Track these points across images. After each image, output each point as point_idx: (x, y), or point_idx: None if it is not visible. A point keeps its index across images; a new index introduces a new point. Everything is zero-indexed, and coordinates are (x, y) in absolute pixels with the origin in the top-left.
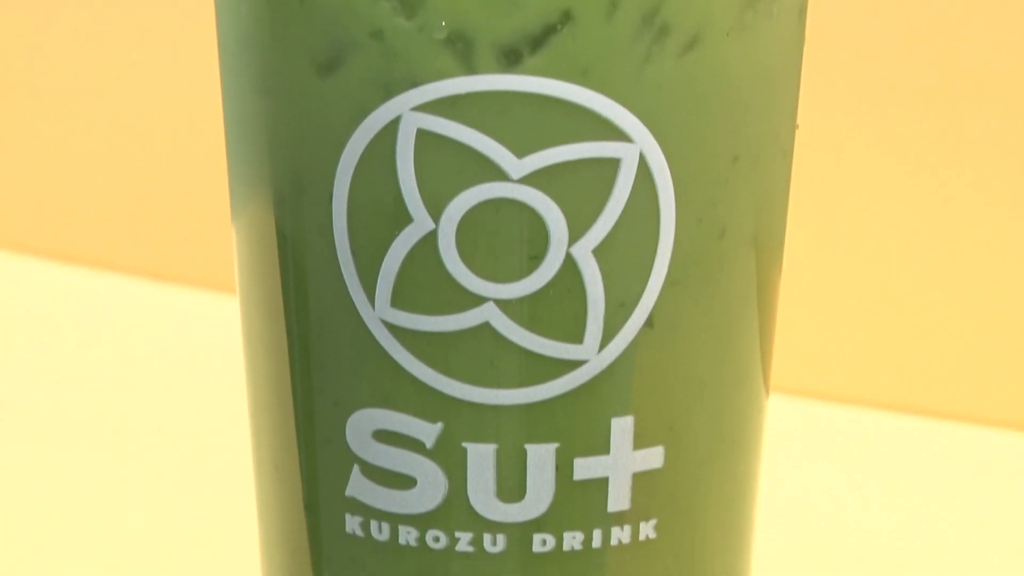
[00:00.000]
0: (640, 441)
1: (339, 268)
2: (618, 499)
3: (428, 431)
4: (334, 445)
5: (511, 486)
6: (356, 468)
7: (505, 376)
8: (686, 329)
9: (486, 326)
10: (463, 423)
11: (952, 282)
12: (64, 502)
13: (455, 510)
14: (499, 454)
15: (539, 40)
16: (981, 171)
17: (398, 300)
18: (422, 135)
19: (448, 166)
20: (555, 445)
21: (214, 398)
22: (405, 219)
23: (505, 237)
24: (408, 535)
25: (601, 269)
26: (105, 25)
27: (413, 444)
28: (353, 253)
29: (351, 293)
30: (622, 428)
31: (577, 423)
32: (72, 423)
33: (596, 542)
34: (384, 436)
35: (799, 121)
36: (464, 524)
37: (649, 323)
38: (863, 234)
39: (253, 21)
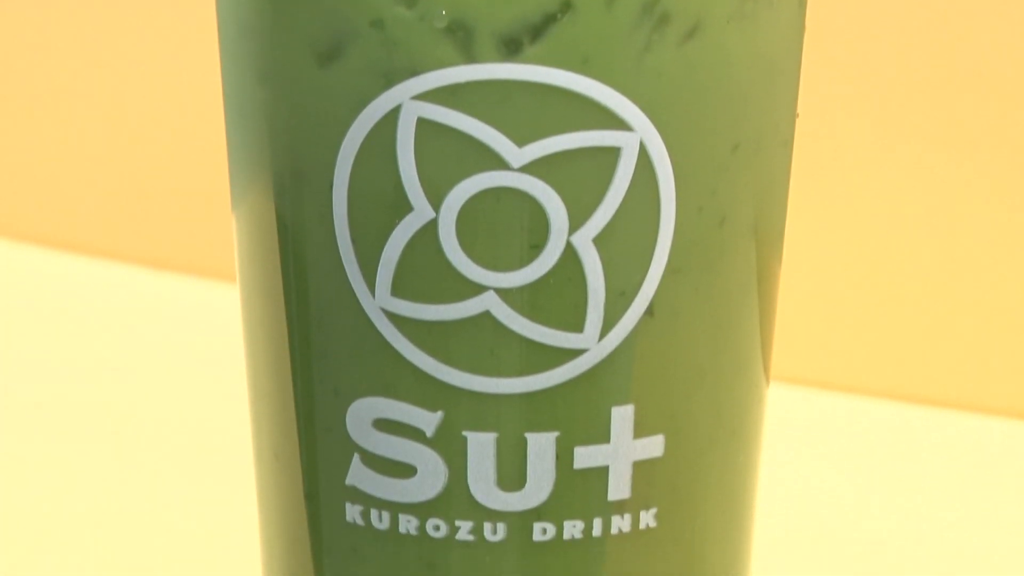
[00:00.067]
0: (640, 430)
1: (339, 257)
2: (618, 488)
3: (428, 420)
4: (334, 434)
5: (511, 475)
6: (356, 457)
7: (505, 365)
8: (686, 318)
9: (486, 315)
10: (463, 412)
11: (953, 271)
12: (63, 492)
13: (455, 499)
14: (499, 443)
15: (539, 29)
16: (982, 159)
17: (398, 289)
18: (422, 124)
19: (448, 155)
20: (555, 434)
21: (214, 386)
22: (405, 208)
23: (505, 226)
24: (408, 524)
25: (601, 258)
26: (106, 14)
27: (413, 433)
28: (353, 242)
29: (351, 282)
30: (622, 417)
31: (577, 412)
32: (72, 412)
33: (596, 531)
34: (384, 425)
35: (799, 110)
36: (464, 513)
37: (649, 312)
38: (863, 223)
39: (254, 10)
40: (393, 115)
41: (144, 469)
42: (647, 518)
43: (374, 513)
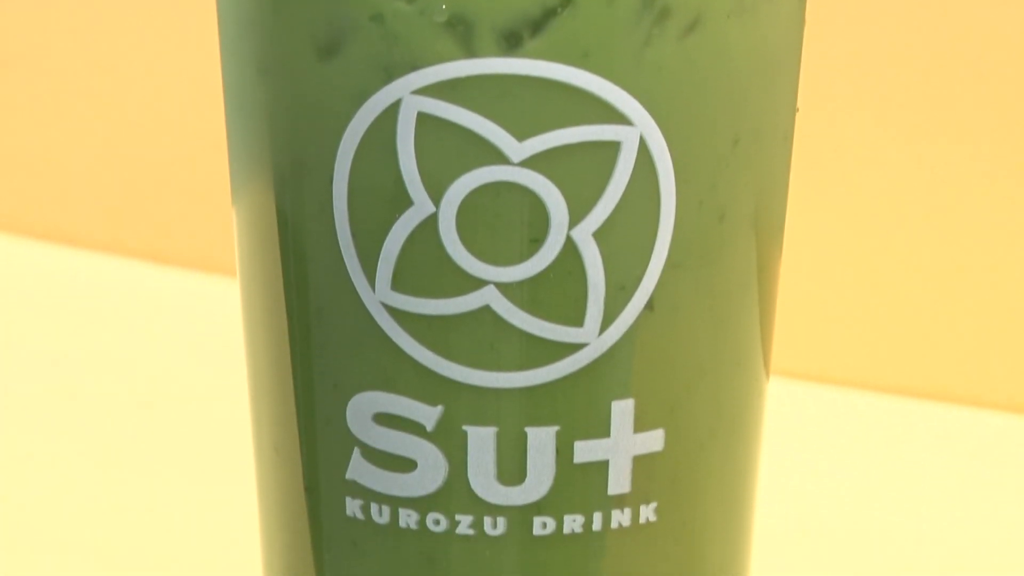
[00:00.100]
0: (640, 424)
1: (339, 251)
2: (618, 482)
3: (428, 414)
4: (334, 428)
5: (511, 469)
6: (356, 451)
7: (505, 359)
8: (686, 312)
9: (486, 309)
10: (463, 406)
11: (953, 265)
12: (64, 485)
13: (455, 493)
14: (499, 437)
15: (539, 23)
16: (983, 151)
17: (398, 283)
18: (422, 118)
19: (449, 149)
20: (555, 428)
21: (214, 381)
22: (406, 202)
23: (505, 220)
24: (408, 518)
25: (601, 252)
26: (106, 8)
27: (413, 427)
28: (354, 236)
29: (351, 276)
30: (622, 411)
31: (577, 406)
32: (72, 407)
33: (596, 525)
34: (384, 419)
35: (800, 104)
36: (464, 507)
37: (649, 306)
38: (863, 217)
39: (254, 4)
40: (393, 109)
41: (143, 463)
42: (647, 512)
43: (374, 507)
